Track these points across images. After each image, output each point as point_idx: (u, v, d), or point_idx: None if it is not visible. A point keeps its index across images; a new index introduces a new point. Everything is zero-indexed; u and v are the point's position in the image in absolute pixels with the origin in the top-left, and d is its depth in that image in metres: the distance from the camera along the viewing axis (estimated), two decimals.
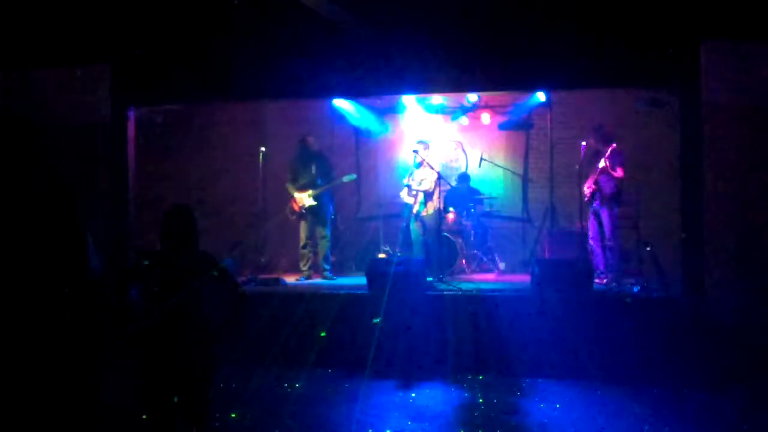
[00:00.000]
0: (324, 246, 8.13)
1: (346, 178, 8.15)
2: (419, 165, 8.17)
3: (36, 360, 3.77)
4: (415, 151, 8.12)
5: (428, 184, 8.07)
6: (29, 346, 3.76)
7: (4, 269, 3.96)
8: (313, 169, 8.11)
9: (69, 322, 3.73)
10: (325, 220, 8.12)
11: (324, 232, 8.10)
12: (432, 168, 8.07)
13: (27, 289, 3.77)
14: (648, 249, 7.39)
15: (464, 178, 9.21)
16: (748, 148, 6.23)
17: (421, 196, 8.12)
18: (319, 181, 8.07)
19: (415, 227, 8.22)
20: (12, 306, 3.81)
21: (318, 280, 8.05)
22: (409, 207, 8.27)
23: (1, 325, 3.94)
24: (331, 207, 8.34)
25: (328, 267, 8.12)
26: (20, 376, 3.82)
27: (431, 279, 7.35)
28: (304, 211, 8.08)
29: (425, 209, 8.09)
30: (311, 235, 8.14)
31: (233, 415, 5.16)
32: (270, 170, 8.49)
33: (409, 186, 8.23)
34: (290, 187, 8.15)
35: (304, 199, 8.03)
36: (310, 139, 8.24)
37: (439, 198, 8.02)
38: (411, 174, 8.28)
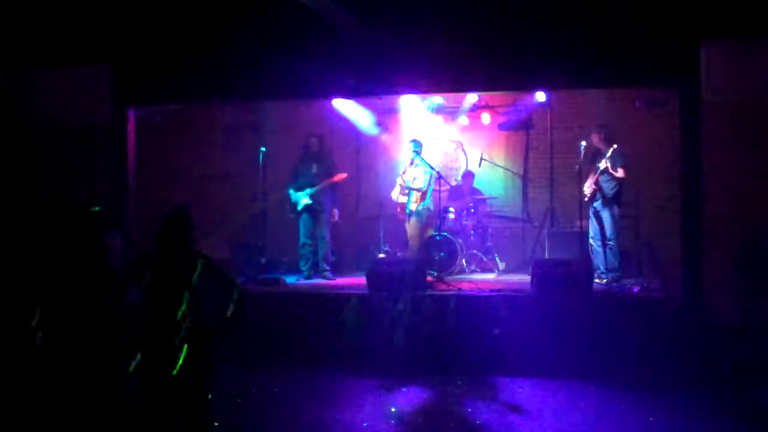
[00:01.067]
0: (323, 246, 8.13)
1: (336, 178, 8.14)
2: (411, 163, 8.19)
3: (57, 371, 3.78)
4: (415, 151, 8.13)
5: (420, 182, 8.07)
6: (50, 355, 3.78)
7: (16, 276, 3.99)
8: (314, 168, 8.12)
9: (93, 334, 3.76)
10: (323, 220, 8.11)
11: (322, 233, 8.10)
12: (430, 166, 8.06)
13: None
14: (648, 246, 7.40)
15: (468, 175, 9.22)
16: (748, 148, 6.22)
17: (414, 195, 8.12)
18: (315, 181, 8.08)
19: (409, 226, 8.22)
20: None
21: (318, 280, 8.05)
22: (402, 206, 8.28)
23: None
24: (335, 208, 8.32)
25: (327, 267, 8.13)
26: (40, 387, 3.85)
27: (431, 279, 7.36)
28: (299, 209, 8.11)
29: (417, 207, 8.10)
30: (310, 235, 8.14)
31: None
32: (270, 170, 8.49)
33: (401, 185, 8.23)
34: (289, 187, 8.19)
35: (301, 198, 8.05)
36: (312, 140, 8.25)
37: (431, 197, 8.02)
38: (404, 172, 8.28)
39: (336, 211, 8.33)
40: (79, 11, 6.89)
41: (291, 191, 8.13)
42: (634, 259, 8.02)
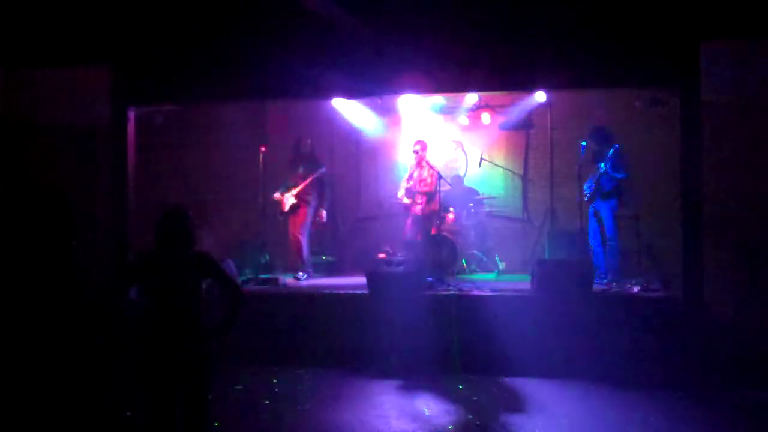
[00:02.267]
0: (303, 244, 8.13)
1: (317, 173, 8.14)
2: (417, 164, 8.16)
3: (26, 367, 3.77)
4: (415, 152, 8.12)
5: (427, 184, 8.04)
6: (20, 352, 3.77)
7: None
8: (301, 169, 8.14)
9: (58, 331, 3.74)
10: (305, 219, 8.11)
11: (304, 231, 8.09)
12: (432, 167, 8.05)
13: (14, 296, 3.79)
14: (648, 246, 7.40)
15: (457, 180, 9.22)
16: (748, 148, 6.23)
17: (419, 197, 8.10)
18: (300, 182, 8.09)
19: (412, 227, 8.21)
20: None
21: (318, 280, 8.06)
22: (407, 207, 8.26)
23: None
24: (323, 209, 8.32)
25: (303, 268, 8.12)
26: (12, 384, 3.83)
27: (431, 279, 7.35)
28: (287, 210, 8.14)
29: (422, 209, 8.08)
30: (297, 234, 8.16)
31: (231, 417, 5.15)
32: (270, 170, 8.49)
33: (408, 187, 8.20)
34: (281, 188, 8.21)
35: (287, 198, 8.07)
36: (303, 142, 8.26)
37: (435, 198, 8.01)
38: (410, 175, 8.26)
39: (323, 212, 8.32)
40: (79, 11, 6.89)
41: (275, 195, 8.17)
42: (634, 259, 8.01)
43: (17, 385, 3.75)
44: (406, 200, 8.24)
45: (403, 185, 8.27)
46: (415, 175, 8.21)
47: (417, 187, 8.14)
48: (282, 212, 8.23)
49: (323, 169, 8.16)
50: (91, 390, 3.90)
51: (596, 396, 5.67)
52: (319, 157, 8.42)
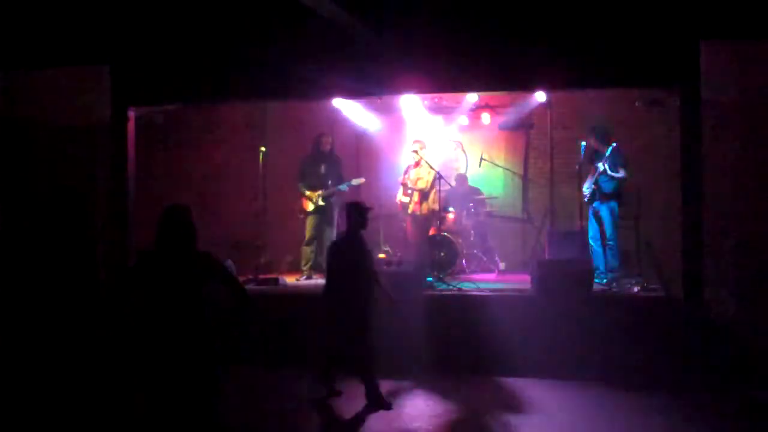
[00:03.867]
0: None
1: (354, 182, 8.19)
2: (416, 164, 8.17)
3: (39, 361, 3.79)
4: (414, 151, 8.13)
5: (424, 183, 8.05)
6: (33, 347, 3.78)
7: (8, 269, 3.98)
8: (323, 168, 8.16)
9: (72, 326, 3.76)
10: (332, 221, 8.16)
11: (330, 234, 8.15)
12: (430, 167, 8.06)
13: (30, 291, 3.80)
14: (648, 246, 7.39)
15: (461, 179, 9.23)
16: (748, 148, 6.22)
17: (416, 195, 8.10)
18: (330, 182, 8.10)
19: (410, 227, 8.22)
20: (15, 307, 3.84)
21: (319, 280, 8.05)
22: (405, 206, 8.27)
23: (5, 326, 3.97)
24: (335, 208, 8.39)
25: None
26: (23, 378, 3.84)
27: (431, 279, 7.35)
28: (310, 211, 8.13)
29: (419, 208, 8.08)
30: (318, 235, 8.17)
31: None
32: (270, 170, 8.49)
33: (404, 185, 8.22)
34: (301, 186, 8.19)
35: (315, 198, 8.07)
36: (324, 139, 8.28)
37: (434, 197, 8.01)
38: (407, 173, 8.27)
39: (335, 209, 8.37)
40: (79, 11, 6.89)
41: (307, 192, 8.16)
42: (634, 259, 8.02)
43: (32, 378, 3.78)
44: (405, 199, 8.23)
45: (400, 182, 8.28)
46: (412, 174, 8.21)
47: (413, 184, 8.14)
48: (303, 210, 8.23)
49: (362, 180, 8.34)
50: (99, 387, 3.91)
51: (596, 396, 5.68)
52: (339, 157, 8.44)
